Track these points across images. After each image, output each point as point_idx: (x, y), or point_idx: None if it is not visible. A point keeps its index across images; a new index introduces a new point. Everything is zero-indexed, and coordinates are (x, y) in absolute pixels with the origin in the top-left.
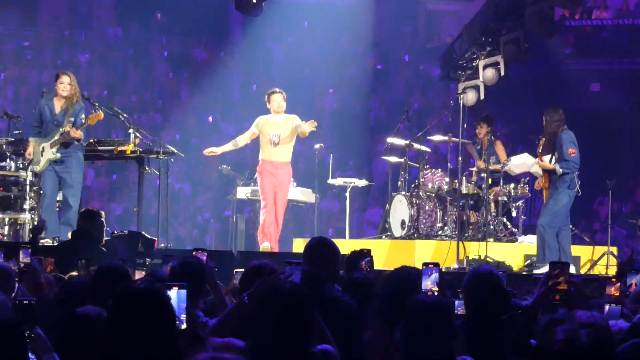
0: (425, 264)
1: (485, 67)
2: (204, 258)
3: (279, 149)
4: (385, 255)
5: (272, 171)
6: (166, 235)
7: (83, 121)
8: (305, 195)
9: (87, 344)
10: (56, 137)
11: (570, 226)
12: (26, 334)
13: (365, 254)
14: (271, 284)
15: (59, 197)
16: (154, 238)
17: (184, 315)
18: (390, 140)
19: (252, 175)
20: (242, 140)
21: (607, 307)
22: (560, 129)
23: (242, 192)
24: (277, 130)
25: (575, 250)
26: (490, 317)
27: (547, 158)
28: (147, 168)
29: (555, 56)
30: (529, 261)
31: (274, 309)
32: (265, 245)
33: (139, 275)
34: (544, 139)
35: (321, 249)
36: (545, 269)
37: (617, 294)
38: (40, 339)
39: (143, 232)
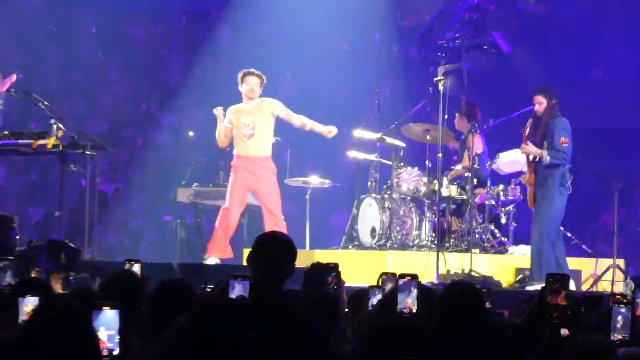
0: (402, 276)
1: (469, 48)
2: (139, 271)
3: (254, 142)
4: (353, 268)
5: (250, 168)
6: (93, 244)
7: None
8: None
9: None
10: None
11: (569, 234)
12: None
13: (332, 268)
14: (213, 302)
15: None
16: (79, 248)
17: (117, 339)
18: (358, 133)
19: (195, 174)
20: (223, 140)
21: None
22: (555, 113)
23: (184, 195)
24: (250, 118)
25: (576, 263)
26: (467, 337)
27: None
28: (71, 165)
29: (549, 36)
30: (520, 275)
31: (219, 331)
32: (211, 261)
33: (56, 282)
34: (531, 120)
35: (274, 244)
36: (539, 286)
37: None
38: None
39: (66, 241)
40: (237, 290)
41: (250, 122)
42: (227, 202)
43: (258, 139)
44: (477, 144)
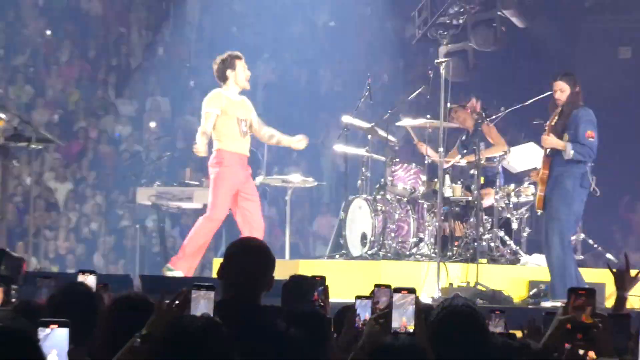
0: (397, 290)
1: (475, 24)
2: (94, 284)
3: (247, 140)
4: (341, 281)
5: (240, 167)
6: (40, 252)
7: None
8: None
9: None
10: None
11: (591, 241)
12: None
13: (318, 281)
14: (175, 319)
15: None
16: (23, 257)
17: None
18: (348, 119)
19: (158, 172)
20: (209, 126)
21: None
22: (578, 103)
23: (145, 195)
24: (244, 113)
25: (599, 274)
26: None
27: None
28: (13, 161)
29: (570, 11)
30: (535, 290)
31: (181, 353)
32: (175, 274)
33: None
34: (560, 109)
35: (249, 253)
36: (558, 303)
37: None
38: None
39: (7, 249)
40: (203, 305)
41: (245, 117)
42: (213, 211)
43: (249, 138)
44: (498, 135)
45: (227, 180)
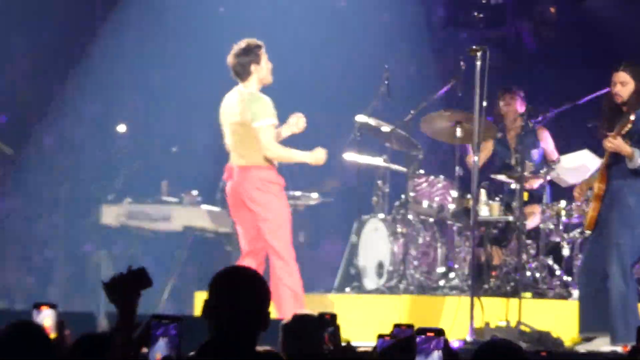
0: (421, 331)
1: (517, 4)
2: (53, 320)
3: None
4: (352, 320)
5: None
6: None
7: None
8: (218, 220)
9: None
10: None
11: None
12: None
13: (328, 321)
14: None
15: None
16: None
17: None
18: (362, 119)
19: (128, 186)
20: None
21: None
22: None
23: (111, 214)
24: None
25: None
26: None
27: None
28: None
29: None
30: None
31: None
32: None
33: None
34: (634, 114)
35: (240, 284)
36: (619, 347)
37: None
38: None
39: None
40: (162, 344)
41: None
42: (290, 249)
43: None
44: (552, 143)
45: (285, 201)
